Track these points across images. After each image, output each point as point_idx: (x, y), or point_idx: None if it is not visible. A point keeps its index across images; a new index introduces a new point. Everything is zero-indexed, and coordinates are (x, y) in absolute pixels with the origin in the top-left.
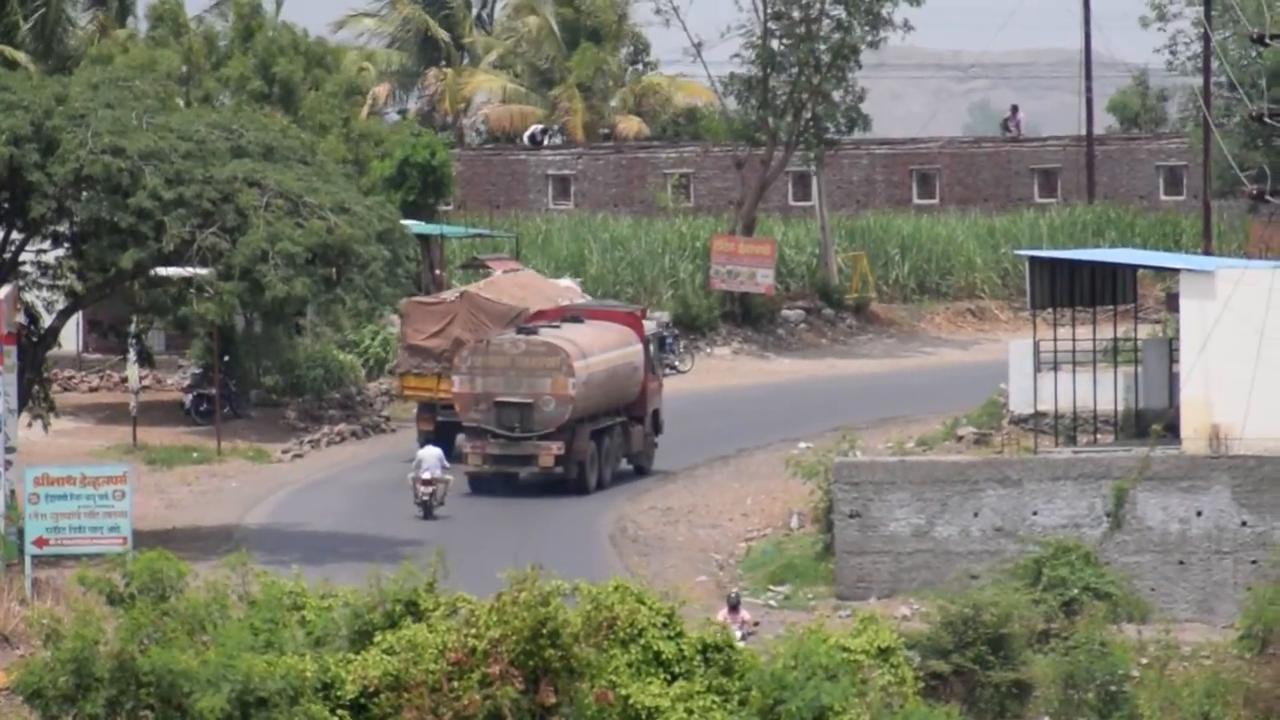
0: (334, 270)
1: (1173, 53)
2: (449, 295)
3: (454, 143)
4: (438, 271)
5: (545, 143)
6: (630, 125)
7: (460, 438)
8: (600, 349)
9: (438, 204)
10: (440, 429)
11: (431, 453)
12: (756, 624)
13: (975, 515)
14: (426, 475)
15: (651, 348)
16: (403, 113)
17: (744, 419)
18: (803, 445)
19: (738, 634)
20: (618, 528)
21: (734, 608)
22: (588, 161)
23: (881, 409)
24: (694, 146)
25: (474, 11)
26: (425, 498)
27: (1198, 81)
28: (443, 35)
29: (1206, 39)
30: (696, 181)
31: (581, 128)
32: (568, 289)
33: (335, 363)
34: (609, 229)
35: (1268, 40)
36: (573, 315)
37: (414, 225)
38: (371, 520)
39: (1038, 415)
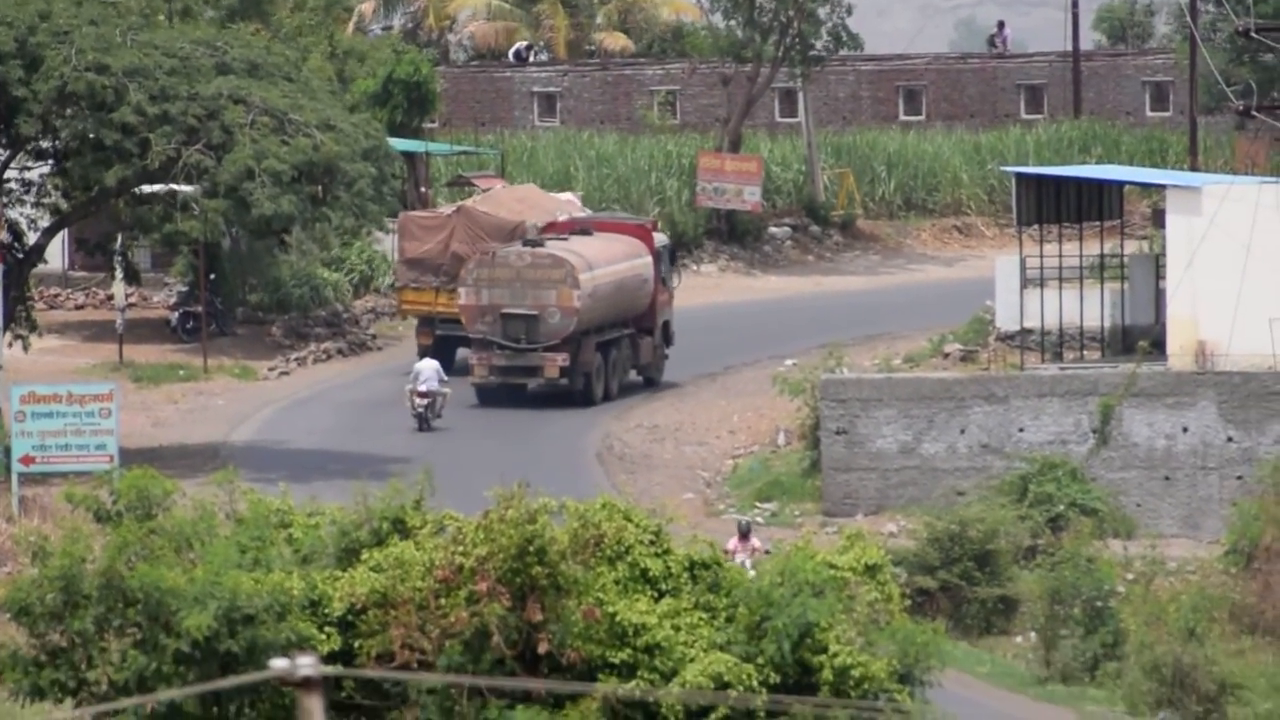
0: (320, 188)
1: None
2: (446, 209)
3: (438, 60)
4: (423, 189)
5: (530, 59)
6: (615, 41)
7: (460, 350)
8: (607, 261)
9: (423, 121)
10: (439, 343)
11: (428, 365)
12: (768, 551)
13: (962, 432)
14: (423, 388)
15: (662, 260)
16: (387, 29)
17: (730, 336)
18: (789, 362)
19: (747, 563)
20: (604, 445)
21: (744, 535)
22: (574, 79)
23: (868, 326)
24: (680, 64)
25: None
26: (420, 409)
27: None
28: None
29: None
30: (683, 99)
31: (564, 44)
32: (569, 202)
33: (321, 280)
34: (595, 146)
35: None
36: (582, 228)
37: (399, 143)
38: (358, 438)
39: (1024, 332)
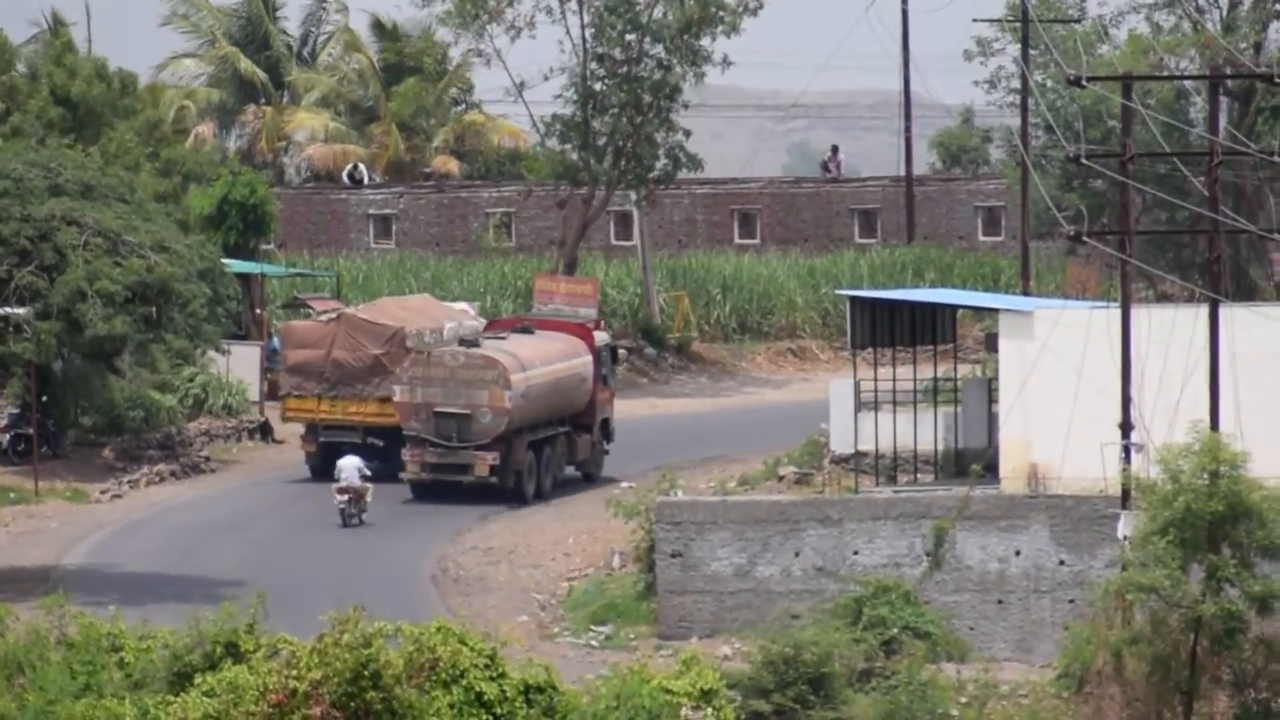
0: (154, 309)
1: (993, 85)
2: (326, 317)
3: (275, 181)
4: (258, 311)
5: (365, 181)
6: (446, 165)
7: (347, 457)
8: (543, 361)
9: (259, 243)
10: (324, 450)
11: (350, 462)
12: None
13: (796, 555)
14: (344, 483)
15: (603, 359)
16: (221, 151)
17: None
18: (624, 485)
19: None
20: (439, 568)
21: None
22: (409, 201)
23: (703, 448)
24: (516, 186)
25: (295, 50)
26: (343, 505)
27: (1016, 121)
28: (260, 75)
29: (1024, 80)
30: (518, 221)
31: (386, 163)
32: (462, 311)
33: (154, 403)
34: (430, 268)
35: (1084, 83)
36: (523, 326)
37: (234, 264)
38: (191, 561)
39: (858, 455)
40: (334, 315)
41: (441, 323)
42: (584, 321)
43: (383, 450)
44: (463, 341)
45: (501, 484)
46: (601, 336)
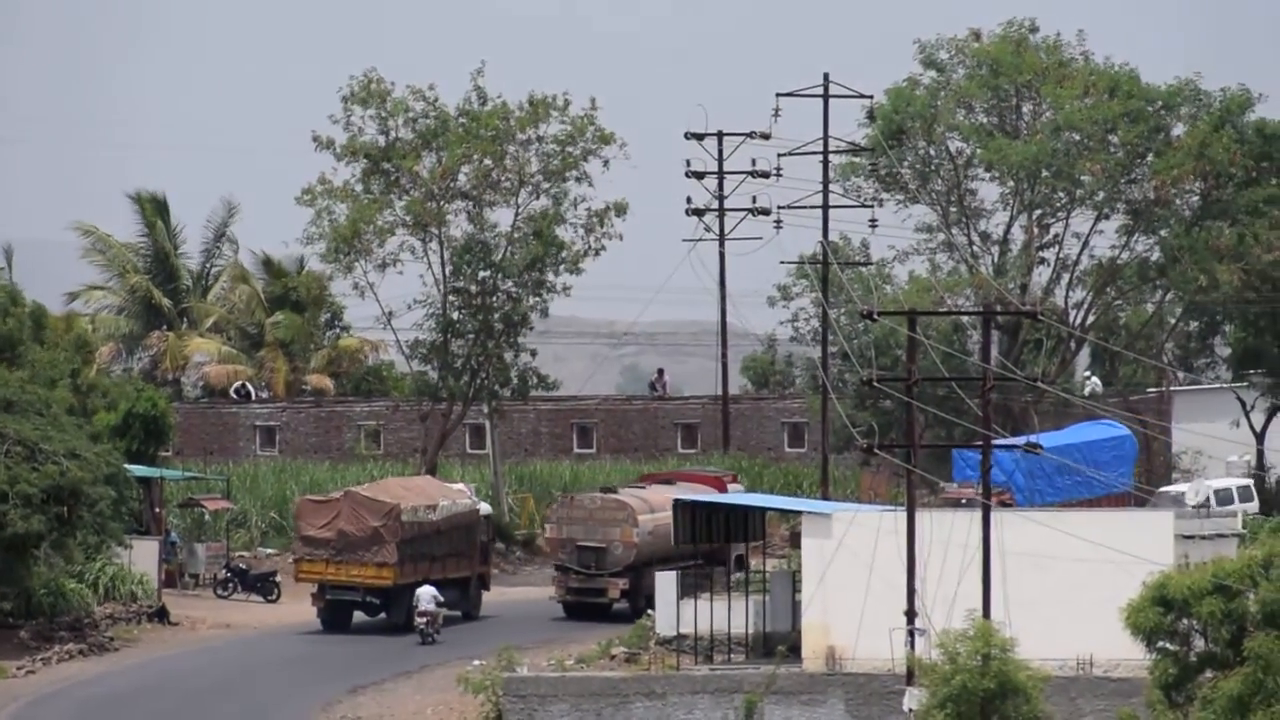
0: (66, 509)
1: (795, 328)
2: (335, 494)
3: (174, 396)
4: (157, 509)
5: (251, 396)
6: (321, 382)
7: (424, 587)
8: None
9: (158, 450)
10: (330, 606)
11: (426, 591)
12: None
13: None
14: (422, 608)
15: None
16: (127, 370)
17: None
18: (475, 663)
19: None
20: None
21: None
22: (291, 414)
23: (546, 631)
24: (384, 402)
25: (194, 281)
26: (422, 625)
27: (817, 352)
28: (166, 303)
29: (824, 315)
30: (386, 432)
31: (284, 384)
32: (459, 491)
33: (67, 589)
34: (309, 473)
35: (875, 317)
36: (664, 479)
37: (136, 469)
38: None
39: (680, 637)
40: (340, 493)
41: (437, 500)
42: (720, 475)
43: (377, 607)
44: (603, 489)
45: (632, 606)
46: (735, 488)
